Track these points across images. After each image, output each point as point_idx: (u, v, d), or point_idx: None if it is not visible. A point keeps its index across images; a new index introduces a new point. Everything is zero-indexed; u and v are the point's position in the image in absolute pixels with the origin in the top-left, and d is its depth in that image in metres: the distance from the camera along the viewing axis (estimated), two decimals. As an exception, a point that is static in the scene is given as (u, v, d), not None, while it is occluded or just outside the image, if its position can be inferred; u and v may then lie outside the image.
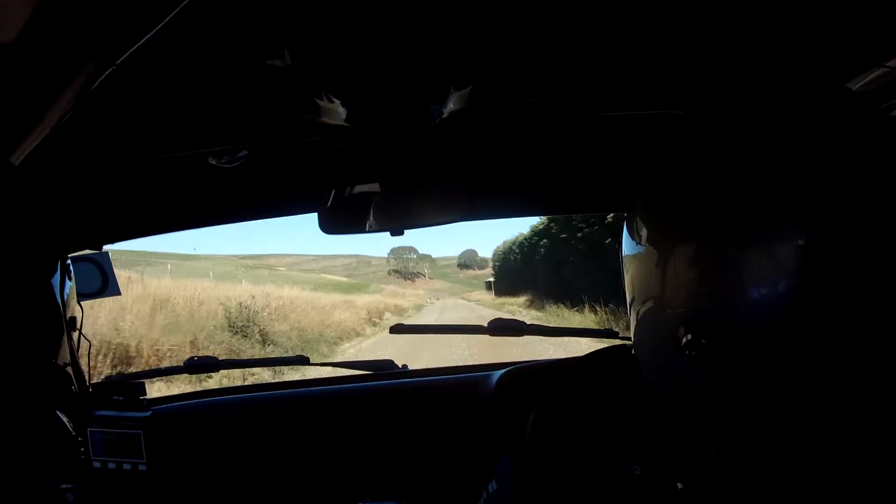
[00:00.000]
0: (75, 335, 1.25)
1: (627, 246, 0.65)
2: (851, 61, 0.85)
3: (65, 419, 0.66)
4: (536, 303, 22.46)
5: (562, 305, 16.72)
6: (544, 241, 21.93)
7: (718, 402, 0.57)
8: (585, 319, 13.75)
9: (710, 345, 0.54)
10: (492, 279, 50.24)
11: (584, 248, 15.24)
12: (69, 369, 0.72)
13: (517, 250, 32.35)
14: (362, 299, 23.98)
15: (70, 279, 0.77)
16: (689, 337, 0.56)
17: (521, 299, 27.09)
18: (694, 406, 0.61)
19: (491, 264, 45.90)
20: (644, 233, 0.62)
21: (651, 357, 0.66)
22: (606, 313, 13.04)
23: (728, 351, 0.54)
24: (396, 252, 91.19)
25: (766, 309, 0.52)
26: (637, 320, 0.66)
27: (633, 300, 0.65)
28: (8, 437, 0.60)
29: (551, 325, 1.49)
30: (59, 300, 0.70)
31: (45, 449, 0.65)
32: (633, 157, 1.19)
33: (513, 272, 33.43)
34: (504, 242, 39.20)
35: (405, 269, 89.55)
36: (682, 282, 0.57)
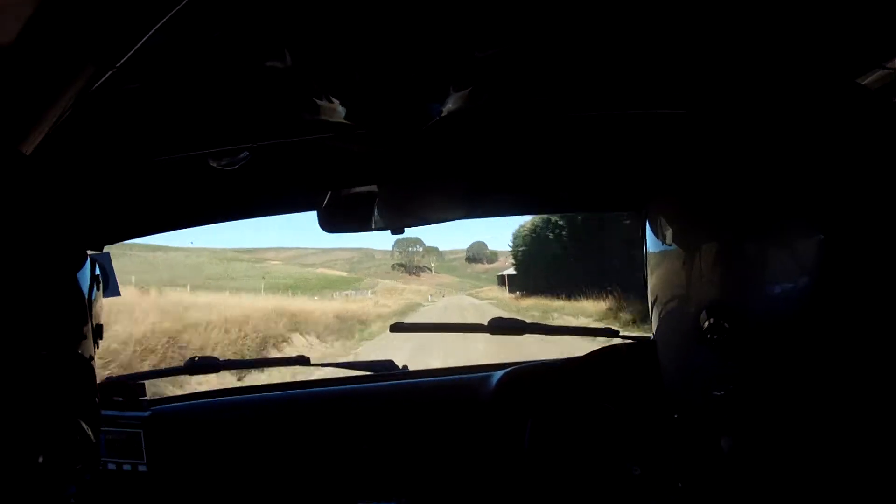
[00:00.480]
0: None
1: (651, 244, 0.67)
2: (851, 62, 0.85)
3: (88, 430, 0.66)
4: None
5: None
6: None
7: (738, 389, 0.58)
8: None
9: (732, 329, 0.56)
10: (510, 272, 38.36)
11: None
12: (93, 363, 0.71)
13: (561, 223, 20.83)
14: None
15: (98, 281, 0.76)
16: (712, 321, 0.57)
17: (591, 304, 15.27)
18: (712, 396, 0.62)
19: (511, 249, 33.15)
20: (669, 232, 0.64)
21: (674, 352, 0.66)
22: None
23: (750, 335, 0.55)
24: (401, 244, 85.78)
25: (788, 300, 0.53)
26: (660, 317, 0.67)
27: (656, 297, 0.66)
28: (31, 437, 0.60)
29: (552, 325, 1.49)
30: (85, 295, 0.69)
31: (67, 453, 0.65)
32: (637, 156, 1.19)
33: (551, 259, 21.48)
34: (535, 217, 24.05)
35: (410, 262, 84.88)
36: (708, 278, 0.58)
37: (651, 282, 0.67)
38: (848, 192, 0.51)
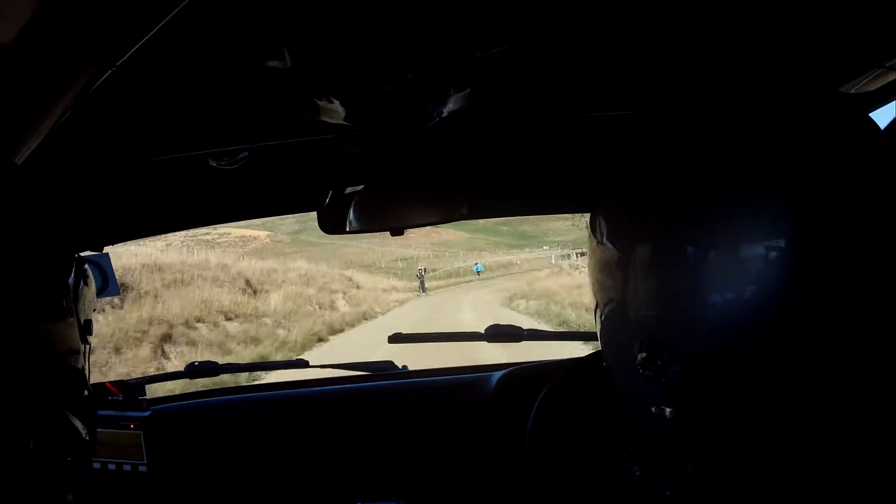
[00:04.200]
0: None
1: (592, 245, 0.62)
2: (851, 63, 0.85)
3: (77, 423, 0.67)
4: None
5: None
6: None
7: (682, 421, 0.55)
8: None
9: (663, 365, 0.51)
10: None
11: None
12: (83, 369, 0.72)
13: None
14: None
15: (86, 277, 0.78)
16: (644, 355, 0.53)
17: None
18: (659, 411, 0.58)
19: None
20: (604, 231, 0.59)
21: (616, 362, 0.63)
22: None
23: (680, 373, 0.51)
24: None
25: (721, 324, 0.47)
26: (601, 323, 0.63)
27: (596, 303, 0.63)
28: (24, 442, 0.60)
29: (550, 331, 1.50)
30: (73, 299, 0.70)
31: (60, 455, 0.65)
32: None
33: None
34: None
35: None
36: (642, 285, 0.53)
37: (593, 286, 0.63)
38: (804, 195, 0.45)
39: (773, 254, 0.45)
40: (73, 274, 0.72)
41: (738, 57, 0.83)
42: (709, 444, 0.55)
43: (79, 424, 0.67)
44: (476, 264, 31.92)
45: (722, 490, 0.56)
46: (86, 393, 0.73)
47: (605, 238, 0.59)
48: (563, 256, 31.54)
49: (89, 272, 0.79)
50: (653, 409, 0.57)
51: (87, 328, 0.75)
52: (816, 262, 0.44)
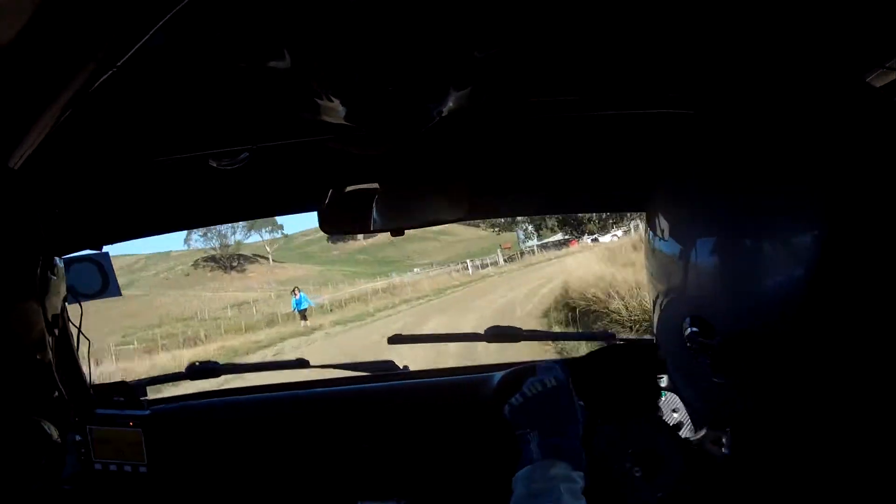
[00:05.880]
0: (74, 333, 1.24)
1: (649, 241, 0.66)
2: (852, 62, 0.85)
3: (48, 426, 0.66)
4: None
5: None
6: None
7: (726, 395, 0.58)
8: None
9: (709, 336, 0.56)
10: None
11: None
12: (55, 373, 0.72)
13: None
14: None
15: (55, 276, 0.76)
16: (692, 330, 0.57)
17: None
18: (708, 398, 0.62)
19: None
20: (664, 230, 0.63)
21: (668, 352, 0.66)
22: None
23: (725, 345, 0.55)
24: (215, 231, 50.23)
25: (776, 312, 0.52)
26: (657, 315, 0.67)
27: (655, 296, 0.67)
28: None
29: (549, 331, 1.50)
30: (40, 298, 0.69)
31: (28, 456, 0.65)
32: (638, 156, 1.18)
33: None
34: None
35: (227, 253, 53.27)
36: (694, 280, 0.58)
37: (650, 280, 0.67)
38: (850, 194, 0.50)
39: (816, 241, 0.50)
40: (39, 268, 0.70)
41: (742, 56, 0.84)
42: (747, 420, 0.58)
43: (50, 427, 0.66)
44: (295, 296, 18.38)
45: (750, 474, 0.59)
46: (56, 394, 0.72)
47: (666, 234, 0.63)
48: (481, 265, 28.19)
49: (58, 263, 0.77)
50: (696, 383, 0.61)
51: (54, 322, 0.73)
52: (856, 251, 0.49)
